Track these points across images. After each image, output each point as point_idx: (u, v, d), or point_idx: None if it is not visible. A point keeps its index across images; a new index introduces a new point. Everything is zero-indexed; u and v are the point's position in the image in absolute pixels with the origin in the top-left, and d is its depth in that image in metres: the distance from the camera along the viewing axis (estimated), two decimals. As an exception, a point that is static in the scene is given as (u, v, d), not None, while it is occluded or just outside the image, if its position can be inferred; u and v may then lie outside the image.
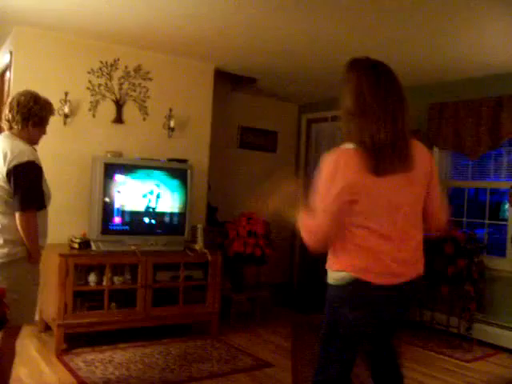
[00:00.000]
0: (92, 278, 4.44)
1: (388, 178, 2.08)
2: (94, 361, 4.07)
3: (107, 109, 5.14)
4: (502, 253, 5.26)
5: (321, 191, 2.11)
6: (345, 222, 2.12)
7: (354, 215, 2.10)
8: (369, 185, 2.07)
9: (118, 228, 4.64)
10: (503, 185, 5.28)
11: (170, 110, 5.44)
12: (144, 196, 4.75)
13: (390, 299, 2.18)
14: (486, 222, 5.49)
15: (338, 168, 2.07)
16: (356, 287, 2.14)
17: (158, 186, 4.82)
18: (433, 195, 2.28)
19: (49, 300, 4.29)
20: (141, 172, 4.74)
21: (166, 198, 4.87)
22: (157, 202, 4.82)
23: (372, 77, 2.10)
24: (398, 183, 2.12)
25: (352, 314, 2.20)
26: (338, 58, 5.07)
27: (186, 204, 4.94)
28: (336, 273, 2.22)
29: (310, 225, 2.15)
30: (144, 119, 5.34)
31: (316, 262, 7.23)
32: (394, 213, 2.12)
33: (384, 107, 2.07)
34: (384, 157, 2.06)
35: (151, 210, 4.79)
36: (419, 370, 4.27)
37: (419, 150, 2.22)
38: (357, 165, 2.06)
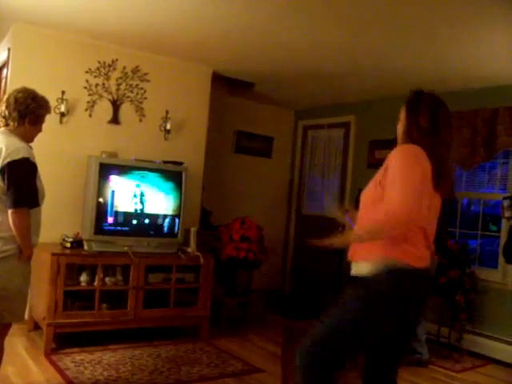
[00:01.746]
0: (83, 277, 4.43)
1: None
2: (83, 361, 4.05)
3: (104, 109, 5.13)
4: (493, 264, 5.27)
5: (403, 175, 2.24)
6: None
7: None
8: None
9: (111, 228, 4.62)
10: (496, 196, 5.30)
11: (167, 112, 5.44)
12: (138, 197, 4.74)
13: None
14: (479, 233, 5.51)
15: (418, 159, 2.29)
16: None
17: (152, 187, 4.81)
18: None
19: (39, 299, 4.26)
20: (136, 173, 4.73)
21: (160, 199, 4.86)
22: (151, 203, 4.80)
23: (442, 108, 2.47)
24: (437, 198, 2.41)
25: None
26: (337, 65, 5.15)
27: (180, 206, 4.94)
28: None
29: (390, 210, 2.20)
30: (140, 120, 5.34)
31: (307, 269, 7.22)
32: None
33: (448, 136, 2.45)
34: (442, 175, 2.35)
35: (145, 211, 4.78)
36: (408, 379, 4.27)
37: None
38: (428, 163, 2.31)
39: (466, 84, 5.32)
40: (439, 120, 2.42)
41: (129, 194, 4.71)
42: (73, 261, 4.37)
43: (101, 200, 4.55)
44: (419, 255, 2.33)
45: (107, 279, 4.51)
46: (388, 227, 2.22)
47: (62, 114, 4.86)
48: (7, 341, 3.06)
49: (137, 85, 5.30)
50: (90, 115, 5.06)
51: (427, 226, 2.34)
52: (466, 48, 4.32)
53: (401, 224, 2.19)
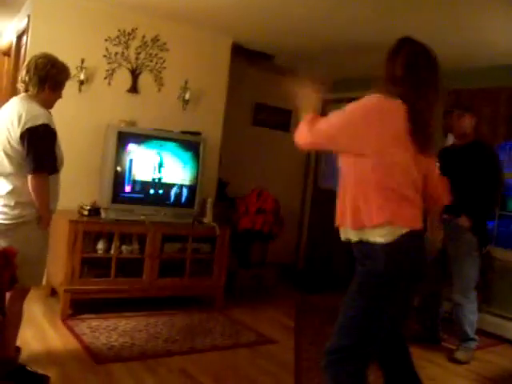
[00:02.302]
0: (100, 245, 4.47)
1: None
2: (98, 327, 4.11)
3: (123, 78, 5.11)
4: (510, 245, 5.22)
5: (342, 117, 2.39)
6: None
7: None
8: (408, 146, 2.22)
9: (128, 197, 4.64)
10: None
11: (186, 82, 5.41)
12: (156, 166, 4.74)
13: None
14: (497, 213, 5.44)
15: (382, 109, 2.22)
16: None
17: (170, 157, 4.81)
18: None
19: (57, 265, 4.31)
20: (154, 142, 4.73)
21: (177, 169, 4.86)
22: (168, 173, 4.81)
23: (427, 60, 2.31)
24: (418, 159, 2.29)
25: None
26: (358, 38, 5.06)
27: (196, 177, 4.94)
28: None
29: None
30: (159, 90, 5.31)
31: (323, 242, 7.15)
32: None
33: (430, 87, 2.27)
34: (420, 125, 2.22)
35: (162, 180, 4.79)
36: (422, 356, 4.28)
37: None
38: (402, 118, 2.20)
39: (489, 61, 5.20)
40: (418, 69, 2.26)
41: (146, 163, 4.71)
42: (90, 228, 4.41)
43: (118, 168, 4.57)
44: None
45: (123, 247, 4.55)
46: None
47: (81, 82, 4.85)
48: (25, 305, 3.11)
49: (156, 54, 5.26)
50: (109, 84, 5.05)
51: (404, 189, 2.25)
52: (488, 23, 4.21)
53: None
